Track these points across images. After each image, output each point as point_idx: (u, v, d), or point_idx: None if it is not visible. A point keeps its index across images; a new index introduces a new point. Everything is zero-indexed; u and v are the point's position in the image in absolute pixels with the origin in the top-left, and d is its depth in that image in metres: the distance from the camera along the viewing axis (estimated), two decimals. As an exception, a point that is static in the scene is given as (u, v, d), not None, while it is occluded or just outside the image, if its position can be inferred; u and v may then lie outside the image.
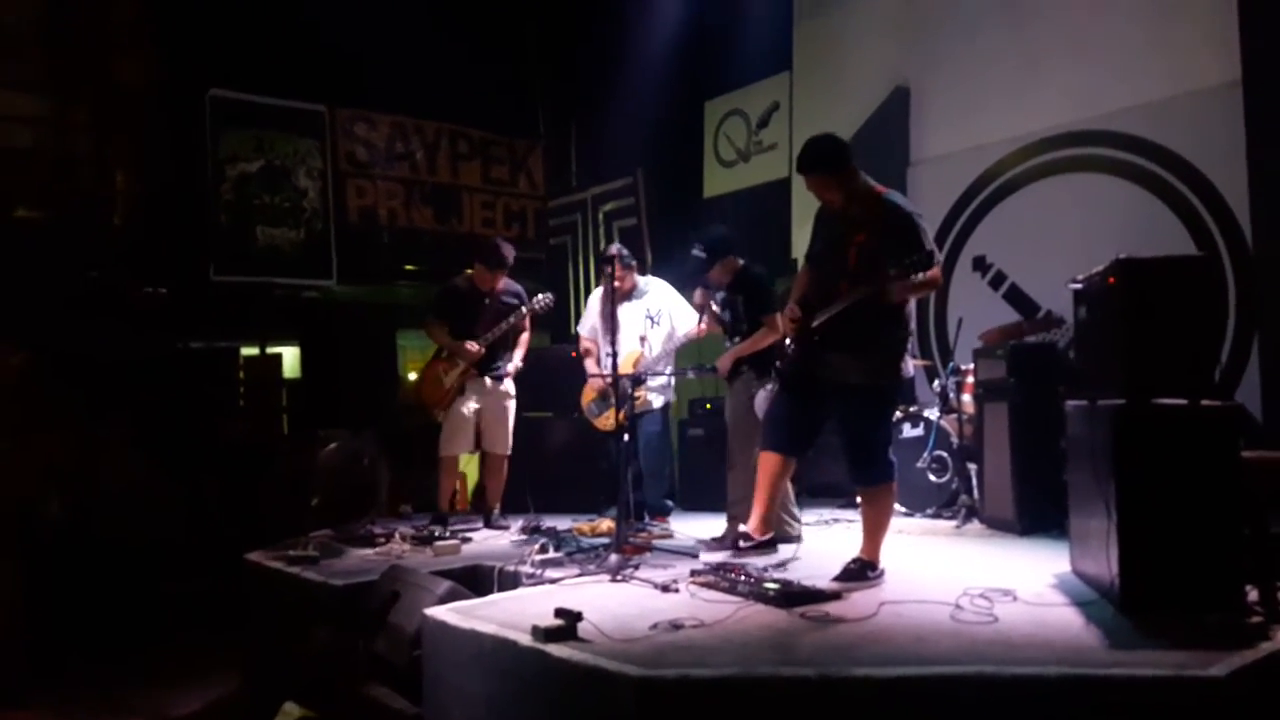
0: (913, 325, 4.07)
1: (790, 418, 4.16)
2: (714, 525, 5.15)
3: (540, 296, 6.00)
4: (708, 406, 6.89)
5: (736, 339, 5.13)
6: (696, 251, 5.09)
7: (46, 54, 7.08)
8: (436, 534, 5.39)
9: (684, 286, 5.80)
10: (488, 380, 5.96)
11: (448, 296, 6.14)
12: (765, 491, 4.19)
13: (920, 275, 3.68)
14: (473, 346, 5.84)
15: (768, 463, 4.18)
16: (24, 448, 5.99)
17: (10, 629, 5.41)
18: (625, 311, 5.78)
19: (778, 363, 4.16)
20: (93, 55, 7.27)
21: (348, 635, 3.29)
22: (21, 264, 6.59)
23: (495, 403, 6.00)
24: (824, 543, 4.94)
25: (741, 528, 4.24)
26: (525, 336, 6.12)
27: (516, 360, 6.07)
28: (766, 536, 4.18)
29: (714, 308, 5.27)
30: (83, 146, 7.21)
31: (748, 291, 5.11)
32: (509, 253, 5.94)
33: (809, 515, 4.41)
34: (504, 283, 6.03)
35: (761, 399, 4.75)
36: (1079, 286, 3.84)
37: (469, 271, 6.08)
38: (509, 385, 6.06)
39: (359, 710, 3.78)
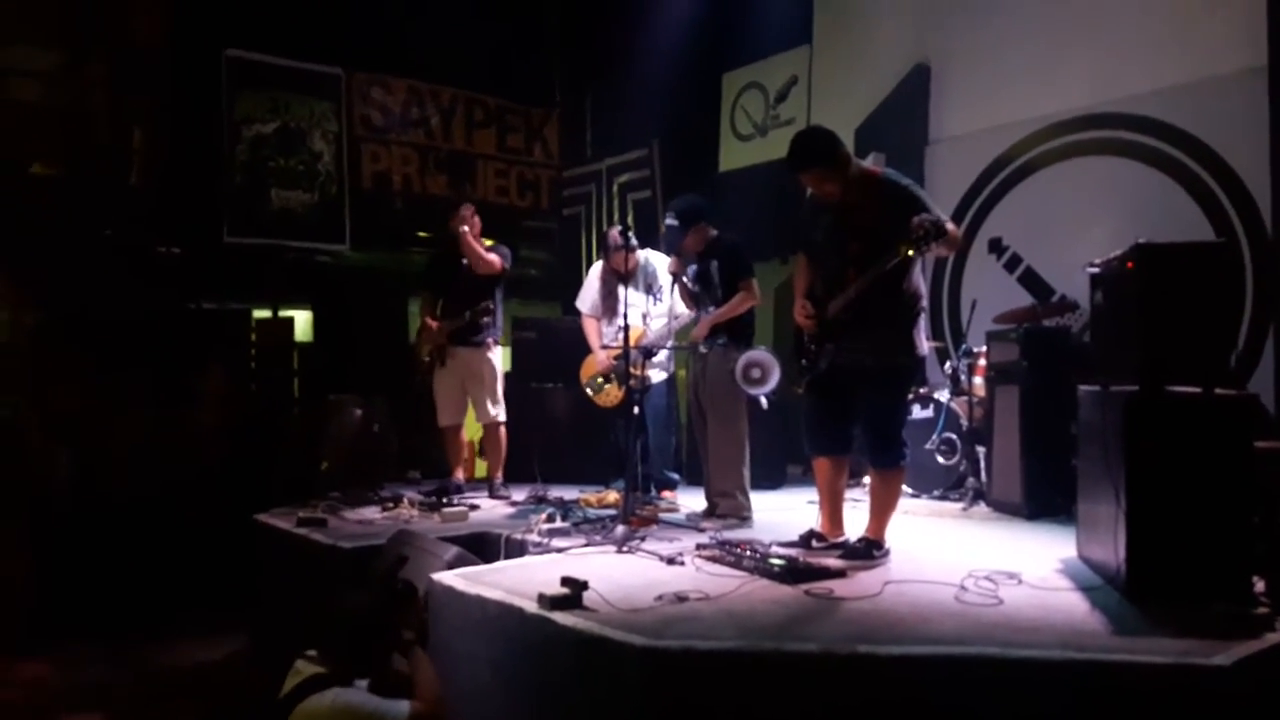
0: (924, 302, 4.04)
1: (824, 420, 4.13)
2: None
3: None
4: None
5: (711, 308, 5.06)
6: (669, 220, 5.04)
7: (63, 8, 7.04)
8: (444, 500, 5.41)
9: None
10: (461, 350, 5.93)
11: (432, 265, 6.31)
12: (826, 495, 4.19)
13: (937, 241, 3.53)
14: (433, 325, 5.94)
15: (819, 469, 4.18)
16: (37, 406, 6.02)
17: (17, 585, 5.45)
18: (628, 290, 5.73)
19: (803, 361, 4.08)
20: (109, 11, 7.22)
21: (378, 602, 3.30)
22: (37, 220, 6.59)
23: (472, 371, 5.96)
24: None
25: (814, 528, 4.19)
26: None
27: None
28: (840, 538, 4.13)
29: (686, 282, 5.18)
30: (99, 103, 7.18)
31: (722, 257, 5.03)
32: (466, 211, 5.92)
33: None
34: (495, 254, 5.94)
35: (741, 369, 4.71)
36: (1096, 271, 3.81)
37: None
38: (489, 352, 5.99)
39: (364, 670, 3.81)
